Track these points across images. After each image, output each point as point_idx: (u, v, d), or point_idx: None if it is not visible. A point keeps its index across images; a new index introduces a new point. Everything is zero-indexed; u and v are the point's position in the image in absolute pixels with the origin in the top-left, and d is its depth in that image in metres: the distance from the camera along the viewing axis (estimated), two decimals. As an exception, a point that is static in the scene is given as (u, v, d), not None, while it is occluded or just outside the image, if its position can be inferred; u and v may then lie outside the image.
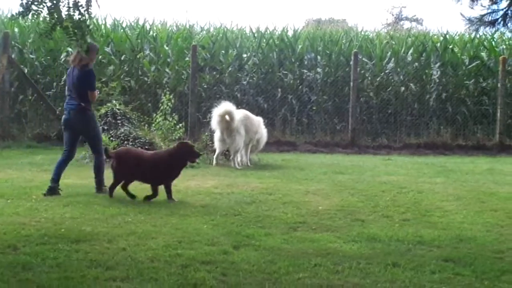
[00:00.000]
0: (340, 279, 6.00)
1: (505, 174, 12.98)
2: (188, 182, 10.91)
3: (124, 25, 20.93)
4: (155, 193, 9.45)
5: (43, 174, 11.63)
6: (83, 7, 7.66)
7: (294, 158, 14.74)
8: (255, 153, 14.30)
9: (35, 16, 7.76)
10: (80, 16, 7.59)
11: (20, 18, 8.27)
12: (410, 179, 11.96)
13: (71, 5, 7.58)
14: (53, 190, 9.78)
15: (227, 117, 13.13)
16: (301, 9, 74.17)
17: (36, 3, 7.56)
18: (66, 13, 7.57)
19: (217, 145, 13.57)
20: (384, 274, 6.17)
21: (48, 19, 7.76)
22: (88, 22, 8.03)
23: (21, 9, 7.72)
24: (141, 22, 21.18)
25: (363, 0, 78.44)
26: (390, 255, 6.82)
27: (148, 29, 20.81)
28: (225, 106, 13.37)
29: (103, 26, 20.71)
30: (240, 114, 13.60)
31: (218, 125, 13.31)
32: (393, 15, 54.78)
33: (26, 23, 18.61)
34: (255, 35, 20.46)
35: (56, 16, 7.53)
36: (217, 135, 13.52)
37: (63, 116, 10.53)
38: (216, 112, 13.36)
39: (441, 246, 7.26)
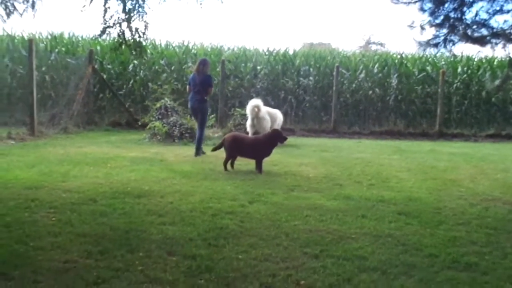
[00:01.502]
0: (324, 226, 5.95)
1: (443, 153, 12.84)
2: (217, 156, 10.82)
3: (174, 45, 20.82)
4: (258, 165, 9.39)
5: (116, 149, 11.62)
6: (142, 32, 7.67)
7: (292, 141, 14.59)
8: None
9: (109, 36, 7.81)
10: (138, 38, 7.59)
11: (99, 38, 8.27)
12: (374, 156, 11.85)
13: (133, 30, 7.59)
14: (198, 152, 10.99)
15: (256, 108, 12.97)
16: (299, 35, 73.60)
17: (109, 28, 7.56)
18: (130, 36, 7.59)
19: (248, 128, 13.33)
20: (355, 223, 6.12)
21: (116, 39, 7.76)
22: (144, 43, 8.04)
23: (99, 32, 7.75)
24: (185, 43, 21.06)
25: (343, 28, 77.61)
26: (360, 209, 6.76)
27: (190, 47, 20.69)
28: (255, 101, 13.22)
29: (159, 46, 20.62)
30: (264, 107, 13.50)
31: (250, 114, 13.07)
32: (364, 40, 54.27)
33: (105, 43, 18.51)
34: (266, 53, 20.32)
35: (123, 37, 7.54)
36: (248, 122, 13.27)
37: (190, 105, 11.64)
38: (249, 105, 13.14)
39: (396, 203, 7.19)
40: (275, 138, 9.55)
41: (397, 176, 9.25)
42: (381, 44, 53.04)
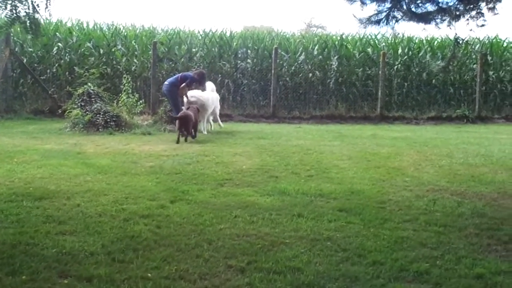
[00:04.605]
0: (254, 229, 5.18)
1: (385, 138, 12.27)
2: (143, 147, 9.90)
3: (102, 26, 19.54)
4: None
5: (30, 141, 10.48)
6: (39, 8, 6.59)
7: (229, 127, 13.76)
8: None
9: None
10: (35, 14, 6.50)
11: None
12: (314, 143, 11.12)
13: (30, 7, 6.50)
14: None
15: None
16: (240, 18, 72.35)
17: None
18: (24, 12, 6.50)
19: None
20: (290, 224, 5.38)
21: (8, 15, 6.65)
22: (44, 20, 7.01)
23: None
24: (115, 24, 19.84)
25: (284, 12, 77.10)
26: (296, 206, 6.02)
27: (120, 29, 19.47)
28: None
29: (86, 27, 19.30)
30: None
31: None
32: (305, 23, 53.76)
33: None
34: (201, 35, 19.33)
35: (15, 13, 6.44)
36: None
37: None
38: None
39: (337, 198, 6.50)
40: None
41: (338, 166, 8.56)
42: (322, 27, 52.72)
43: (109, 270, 4.05)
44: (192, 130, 10.93)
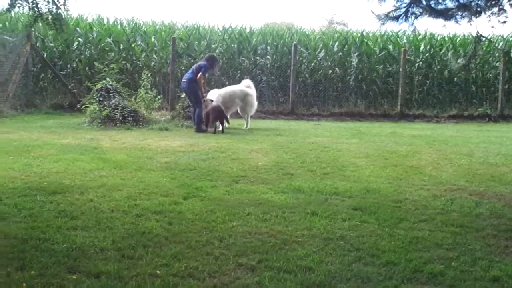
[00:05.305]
0: (267, 227, 5.11)
1: (404, 136, 12.10)
2: (159, 142, 9.90)
3: (122, 22, 19.62)
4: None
5: (48, 135, 10.54)
6: (60, 3, 6.62)
7: (247, 123, 13.68)
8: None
9: (20, 10, 6.79)
10: (57, 10, 6.52)
11: (8, 12, 7.22)
12: (332, 140, 11.00)
13: (50, 2, 6.53)
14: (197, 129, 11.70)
15: None
16: (260, 14, 72.05)
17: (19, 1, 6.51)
18: (46, 8, 6.53)
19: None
20: (304, 222, 5.29)
21: (31, 13, 6.68)
22: (64, 15, 7.02)
23: (7, 6, 6.70)
24: (135, 20, 19.91)
25: (306, 8, 76.65)
26: (310, 204, 5.93)
27: (140, 25, 19.53)
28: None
29: (106, 22, 19.41)
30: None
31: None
32: (327, 20, 53.40)
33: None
34: (221, 30, 19.29)
35: (37, 11, 6.47)
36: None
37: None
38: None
39: (352, 196, 6.39)
40: None
41: (355, 163, 8.45)
42: (344, 24, 52.35)
43: (118, 266, 4.02)
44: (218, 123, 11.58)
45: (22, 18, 18.58)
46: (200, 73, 11.97)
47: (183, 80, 12.51)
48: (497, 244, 4.83)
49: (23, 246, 4.36)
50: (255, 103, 13.01)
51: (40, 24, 17.43)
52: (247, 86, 12.97)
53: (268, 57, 18.11)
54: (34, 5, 6.54)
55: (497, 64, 17.83)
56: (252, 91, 12.97)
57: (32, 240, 4.50)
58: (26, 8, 6.71)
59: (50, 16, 6.78)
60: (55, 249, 4.33)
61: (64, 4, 6.74)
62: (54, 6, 6.59)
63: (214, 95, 12.26)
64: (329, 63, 18.11)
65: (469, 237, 5.01)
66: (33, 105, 15.78)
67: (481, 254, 4.56)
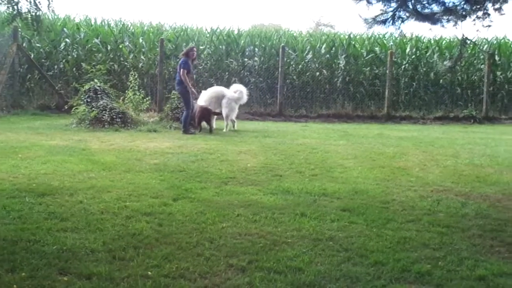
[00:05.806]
0: (257, 228, 5.15)
1: (391, 138, 12.21)
2: (148, 144, 9.90)
3: (110, 23, 19.56)
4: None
5: (35, 136, 10.49)
6: (41, 5, 6.61)
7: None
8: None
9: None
10: (37, 11, 6.51)
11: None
12: (320, 142, 11.07)
13: (32, 4, 6.52)
14: (185, 130, 11.72)
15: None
16: (248, 16, 72.19)
17: None
18: (26, 8, 6.52)
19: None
20: (293, 223, 5.34)
21: (9, 11, 6.66)
22: (46, 17, 7.02)
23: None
24: (123, 21, 19.87)
25: (293, 11, 76.86)
26: (299, 205, 5.98)
27: (128, 26, 19.49)
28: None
29: (93, 23, 19.34)
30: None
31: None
32: (314, 22, 53.57)
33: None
34: (209, 32, 19.30)
35: (16, 9, 6.46)
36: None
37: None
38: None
39: (340, 197, 6.46)
40: None
41: (343, 165, 8.52)
42: (331, 26, 52.56)
43: (109, 267, 4.04)
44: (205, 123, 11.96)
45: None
46: (181, 70, 11.84)
47: (176, 83, 12.41)
48: (483, 244, 4.91)
49: (13, 248, 4.36)
50: (235, 107, 12.74)
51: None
52: (235, 90, 12.84)
53: (256, 58, 18.16)
54: (13, 4, 6.52)
55: (482, 66, 18.06)
56: (232, 95, 12.64)
57: (22, 242, 4.50)
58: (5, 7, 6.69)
59: (29, 16, 6.76)
60: (45, 251, 4.33)
61: (49, 6, 6.72)
62: (35, 7, 6.58)
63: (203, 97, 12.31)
64: (317, 65, 18.20)
65: (455, 237, 5.08)
66: (19, 106, 15.69)
67: (467, 254, 4.64)
